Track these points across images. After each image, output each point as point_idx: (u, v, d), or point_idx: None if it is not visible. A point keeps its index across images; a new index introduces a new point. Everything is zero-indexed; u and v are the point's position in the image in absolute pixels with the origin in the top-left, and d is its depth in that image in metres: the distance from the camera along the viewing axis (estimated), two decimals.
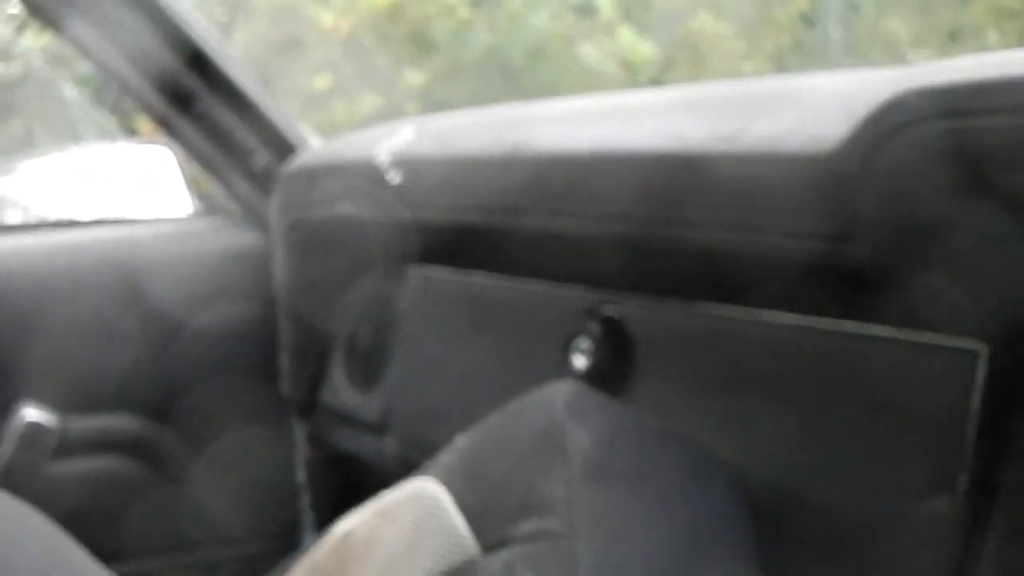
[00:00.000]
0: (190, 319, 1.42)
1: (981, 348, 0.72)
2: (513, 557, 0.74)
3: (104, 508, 1.38)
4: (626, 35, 5.32)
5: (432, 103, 4.28)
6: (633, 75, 5.22)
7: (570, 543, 0.72)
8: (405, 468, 0.95)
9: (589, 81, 5.13)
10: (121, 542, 1.37)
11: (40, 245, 1.41)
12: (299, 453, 1.43)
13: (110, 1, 1.28)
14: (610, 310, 0.97)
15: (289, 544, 1.46)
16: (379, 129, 1.26)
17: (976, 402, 0.72)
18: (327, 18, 3.88)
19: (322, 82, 3.85)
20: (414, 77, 4.13)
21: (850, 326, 0.77)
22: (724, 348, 0.87)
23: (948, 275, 0.70)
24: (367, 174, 1.14)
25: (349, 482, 1.37)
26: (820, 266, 0.72)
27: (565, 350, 0.99)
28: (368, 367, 1.33)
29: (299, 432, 1.44)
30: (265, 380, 1.44)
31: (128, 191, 1.55)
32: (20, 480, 1.29)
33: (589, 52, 5.14)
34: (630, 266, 0.93)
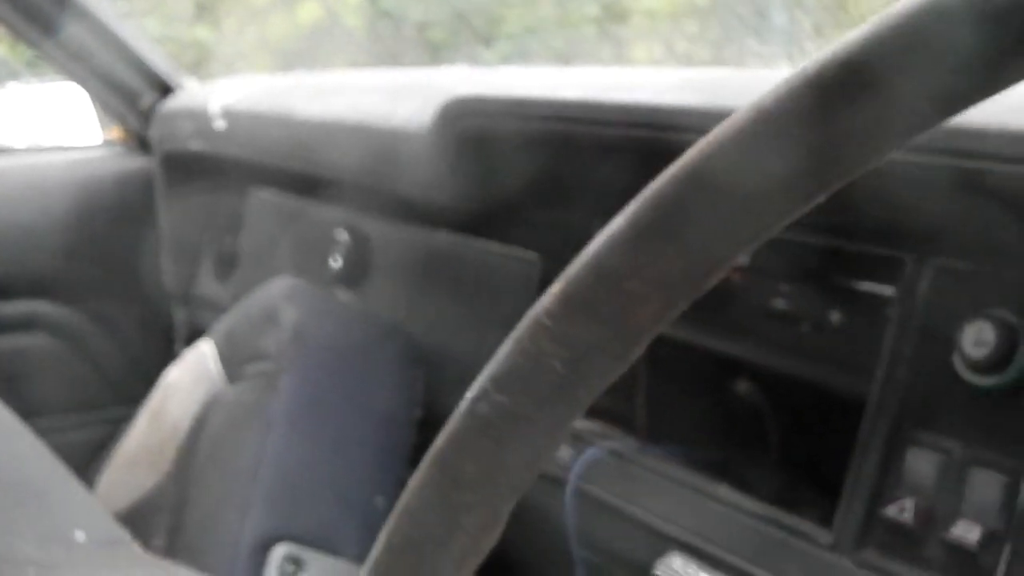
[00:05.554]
0: (94, 227, 1.82)
1: (536, 258, 1.13)
2: (244, 387, 1.16)
3: (27, 376, 1.79)
4: None
5: (376, 11, 4.59)
6: None
7: (277, 378, 1.14)
8: None
9: None
10: (41, 403, 1.78)
11: None
12: (176, 332, 1.85)
13: None
14: (361, 226, 1.38)
15: None
16: (223, 83, 1.65)
17: (535, 295, 1.13)
18: None
19: None
20: None
21: (464, 239, 1.18)
22: (414, 256, 1.28)
23: (510, 209, 1.11)
24: (205, 120, 1.53)
25: None
26: (435, 203, 1.12)
27: (326, 253, 1.40)
28: (226, 263, 1.75)
29: (178, 316, 1.85)
30: (154, 276, 1.84)
31: (46, 123, 1.93)
32: None
33: None
34: (367, 198, 1.33)
